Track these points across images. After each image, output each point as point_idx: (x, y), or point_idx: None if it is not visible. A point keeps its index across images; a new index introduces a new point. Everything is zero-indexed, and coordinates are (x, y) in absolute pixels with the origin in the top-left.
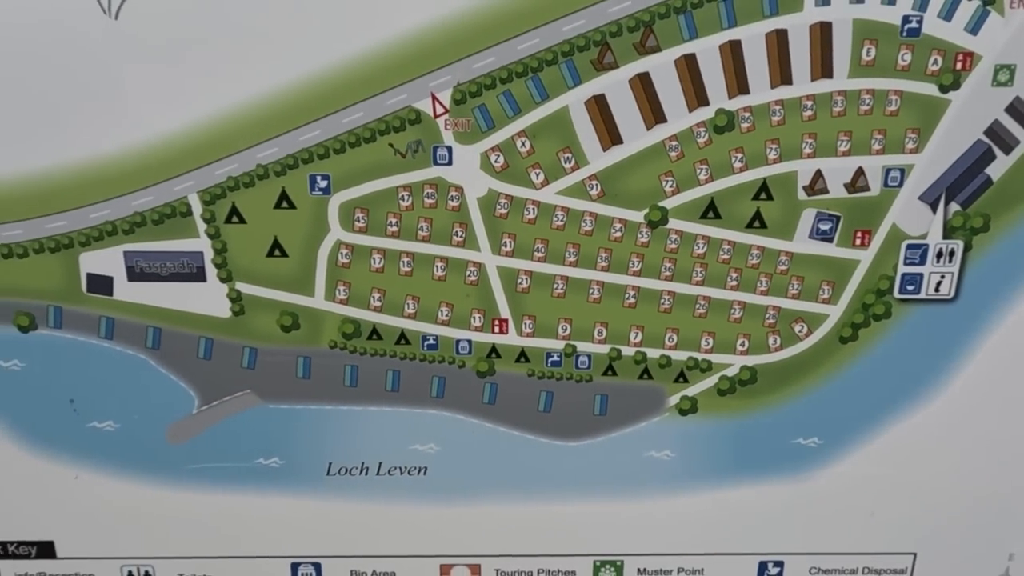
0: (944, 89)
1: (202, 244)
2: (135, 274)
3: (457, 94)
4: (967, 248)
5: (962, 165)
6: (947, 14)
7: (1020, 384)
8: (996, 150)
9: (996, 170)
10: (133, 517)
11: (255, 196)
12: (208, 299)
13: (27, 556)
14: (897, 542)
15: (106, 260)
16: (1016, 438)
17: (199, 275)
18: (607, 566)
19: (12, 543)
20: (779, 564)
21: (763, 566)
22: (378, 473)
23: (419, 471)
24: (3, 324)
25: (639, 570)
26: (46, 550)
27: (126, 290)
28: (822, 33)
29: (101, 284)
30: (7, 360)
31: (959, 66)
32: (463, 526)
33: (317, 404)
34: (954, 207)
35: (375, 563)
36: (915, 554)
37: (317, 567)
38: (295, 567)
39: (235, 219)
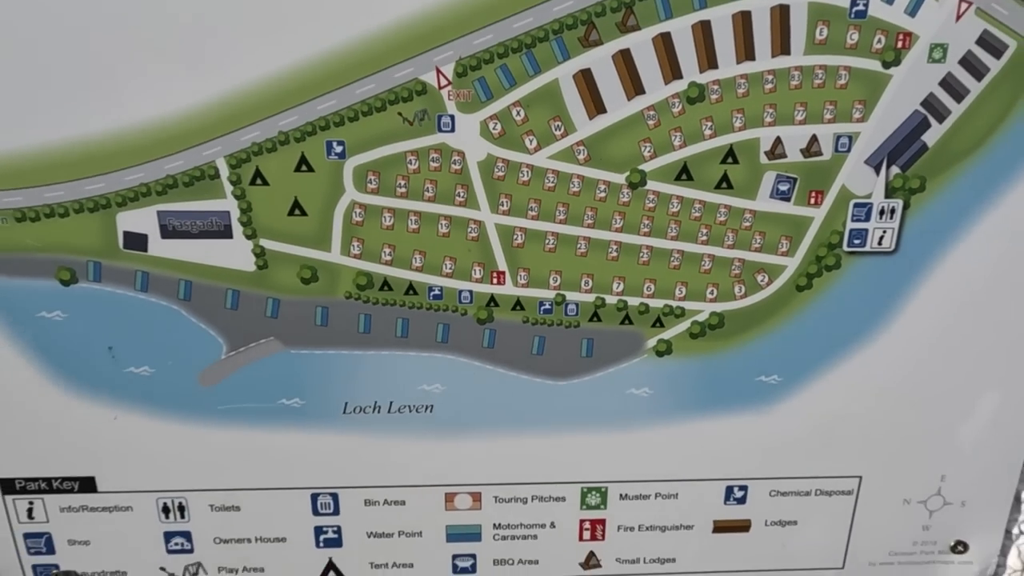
0: (887, 65)
1: (229, 204)
2: (167, 232)
3: (459, 68)
4: (906, 206)
5: (902, 133)
6: None
7: (951, 325)
8: (931, 119)
9: (931, 137)
10: (167, 454)
11: (277, 160)
12: (234, 254)
13: (70, 491)
14: (845, 466)
15: (141, 219)
16: (948, 373)
17: (226, 232)
18: (593, 492)
19: (56, 479)
20: (743, 488)
21: (729, 490)
22: (389, 411)
23: (426, 409)
24: (46, 278)
25: (621, 495)
26: (87, 485)
27: (159, 246)
28: (781, 15)
29: (136, 241)
30: (50, 311)
31: (899, 45)
32: (465, 458)
33: (334, 349)
34: (895, 170)
35: (386, 492)
36: (860, 476)
37: (334, 497)
38: (314, 497)
39: (259, 181)
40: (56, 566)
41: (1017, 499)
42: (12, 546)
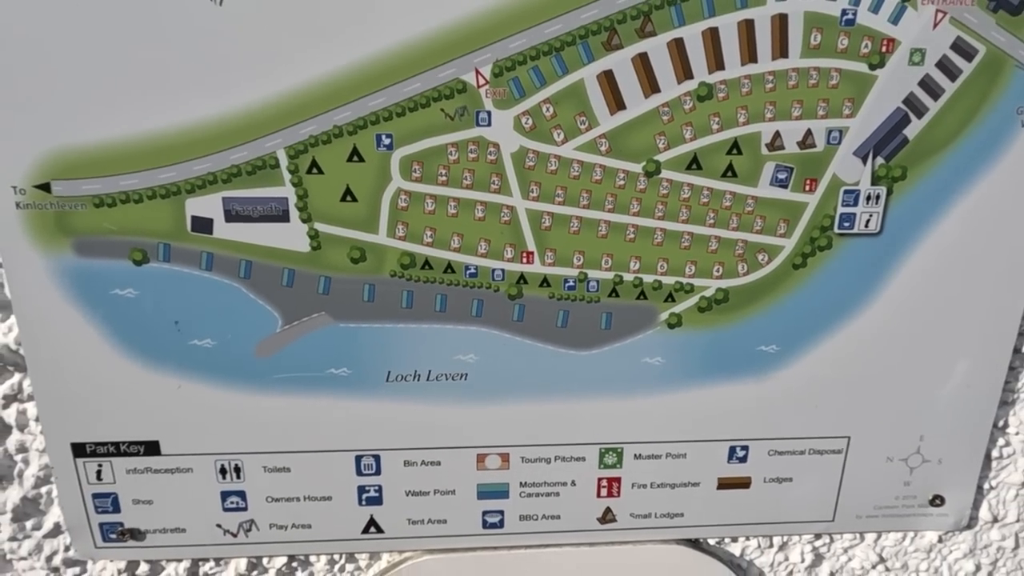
0: (872, 67)
1: (287, 191)
2: (231, 216)
3: (496, 68)
4: (889, 193)
5: (886, 127)
6: (875, 8)
7: (930, 300)
8: (911, 116)
9: (911, 131)
10: (225, 419)
11: (331, 151)
12: (291, 237)
13: (136, 454)
14: (835, 427)
15: (207, 204)
16: (927, 343)
17: (284, 217)
18: (610, 452)
19: (124, 443)
20: (745, 448)
21: (732, 449)
22: (427, 379)
23: (461, 377)
24: (120, 258)
25: (635, 455)
26: (152, 448)
27: (223, 229)
28: (781, 22)
29: (203, 225)
30: (123, 289)
31: (884, 49)
32: (495, 422)
33: (379, 323)
34: (879, 160)
35: (423, 454)
36: (849, 437)
37: (376, 458)
38: (358, 459)
39: (315, 170)
40: (121, 524)
41: (988, 457)
42: (82, 506)
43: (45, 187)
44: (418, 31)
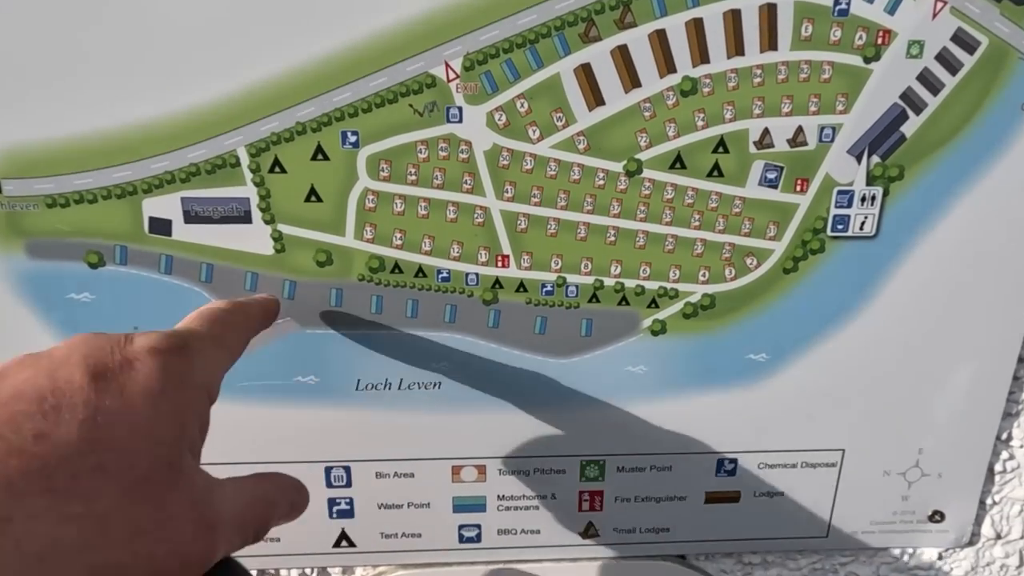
0: (867, 60)
1: (249, 191)
2: (190, 217)
3: (467, 62)
4: (885, 193)
5: (882, 124)
6: None
7: (928, 306)
8: (909, 112)
9: (909, 128)
10: None
11: (295, 149)
12: (254, 239)
13: None
14: (829, 440)
15: (165, 205)
16: (925, 352)
17: (246, 218)
18: (592, 464)
19: None
20: (733, 461)
21: (720, 462)
22: (399, 388)
23: (434, 386)
24: (75, 261)
25: (618, 467)
26: None
27: (183, 231)
28: (769, 13)
29: (161, 226)
30: (79, 293)
31: (879, 41)
32: (471, 432)
33: (347, 330)
34: (875, 159)
35: (396, 465)
36: (843, 450)
37: (347, 470)
38: (328, 470)
39: (277, 169)
40: None
41: (990, 471)
42: None
43: None
44: (384, 22)
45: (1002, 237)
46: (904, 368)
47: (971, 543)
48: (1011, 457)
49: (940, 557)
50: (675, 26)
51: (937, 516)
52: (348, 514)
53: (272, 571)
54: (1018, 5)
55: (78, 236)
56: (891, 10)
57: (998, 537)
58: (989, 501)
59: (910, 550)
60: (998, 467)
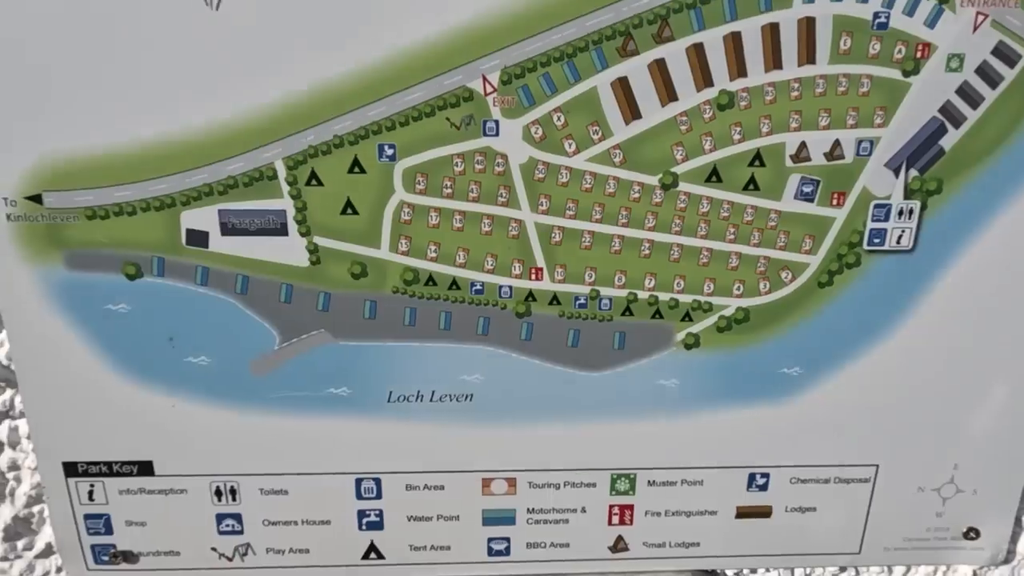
0: (906, 74)
1: (285, 203)
2: (227, 229)
3: (504, 76)
4: (923, 207)
5: (920, 138)
6: (910, 10)
7: (965, 322)
8: (948, 125)
9: (948, 142)
10: (220, 439)
11: (332, 162)
12: (289, 251)
13: (129, 474)
14: (863, 455)
15: (203, 217)
16: (961, 368)
17: (282, 230)
18: (622, 478)
19: (116, 463)
20: (765, 475)
21: (752, 477)
22: (431, 400)
23: (466, 398)
24: (113, 272)
25: (649, 482)
26: (145, 468)
27: (219, 243)
28: (807, 26)
29: (198, 238)
30: (116, 304)
31: (919, 55)
32: (502, 445)
33: (380, 341)
34: (913, 173)
35: (426, 478)
36: (877, 465)
37: (377, 482)
38: (359, 482)
39: (314, 182)
40: (113, 546)
41: None
42: (73, 526)
43: (36, 198)
44: (422, 36)
45: None
46: (940, 383)
47: (1007, 561)
48: None
49: (975, 575)
50: (713, 40)
51: (972, 533)
52: (377, 526)
53: None
54: None
55: (116, 247)
56: (931, 23)
57: None
58: None
59: (944, 568)
60: None
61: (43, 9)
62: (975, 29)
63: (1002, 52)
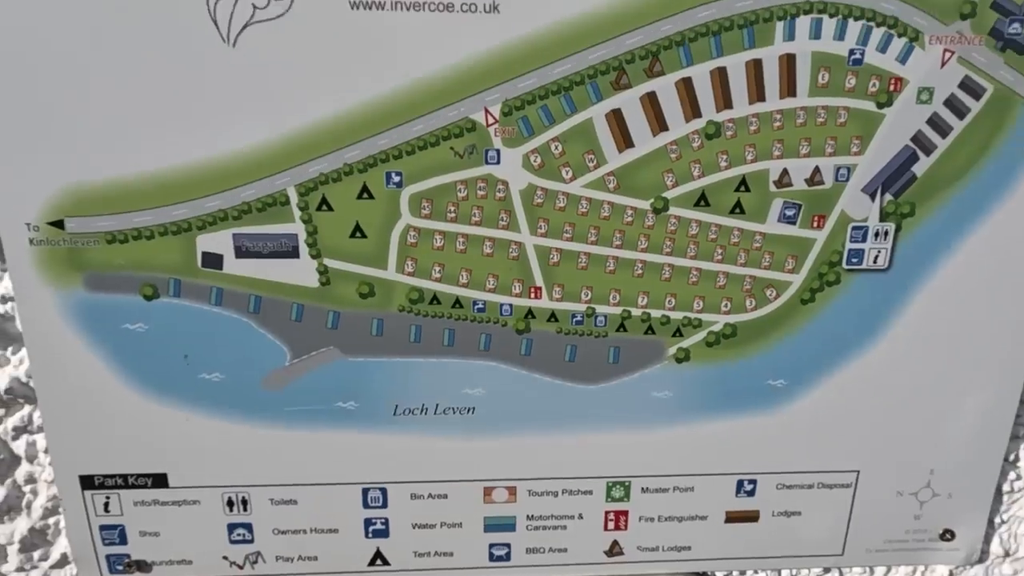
0: (880, 106)
1: (297, 228)
2: (241, 252)
3: (505, 108)
4: (898, 229)
5: (894, 165)
6: (883, 47)
7: (938, 335)
8: (919, 153)
9: (919, 168)
10: (233, 452)
11: (341, 189)
12: (300, 272)
13: (144, 486)
14: (844, 461)
15: (218, 241)
16: (936, 378)
17: (294, 252)
18: (617, 486)
19: (132, 475)
20: (753, 481)
21: (740, 483)
22: (435, 413)
23: (468, 411)
24: (131, 293)
25: (643, 488)
26: (160, 481)
27: (233, 265)
28: (788, 62)
29: (213, 260)
30: (133, 323)
31: (891, 88)
32: (503, 455)
33: (387, 357)
34: (888, 197)
35: (430, 487)
36: (858, 471)
37: (383, 491)
38: (365, 491)
39: (324, 207)
40: (127, 556)
41: (999, 491)
42: (89, 537)
43: (58, 224)
44: (428, 71)
45: (1009, 271)
46: (916, 393)
47: (980, 561)
48: (1019, 477)
49: (951, 575)
50: (701, 74)
51: (948, 535)
52: (383, 534)
53: None
54: (1021, 55)
55: (135, 270)
56: (902, 59)
57: (1007, 555)
58: (998, 520)
59: (922, 568)
60: (1006, 487)
61: (67, 47)
62: (943, 65)
63: (968, 86)
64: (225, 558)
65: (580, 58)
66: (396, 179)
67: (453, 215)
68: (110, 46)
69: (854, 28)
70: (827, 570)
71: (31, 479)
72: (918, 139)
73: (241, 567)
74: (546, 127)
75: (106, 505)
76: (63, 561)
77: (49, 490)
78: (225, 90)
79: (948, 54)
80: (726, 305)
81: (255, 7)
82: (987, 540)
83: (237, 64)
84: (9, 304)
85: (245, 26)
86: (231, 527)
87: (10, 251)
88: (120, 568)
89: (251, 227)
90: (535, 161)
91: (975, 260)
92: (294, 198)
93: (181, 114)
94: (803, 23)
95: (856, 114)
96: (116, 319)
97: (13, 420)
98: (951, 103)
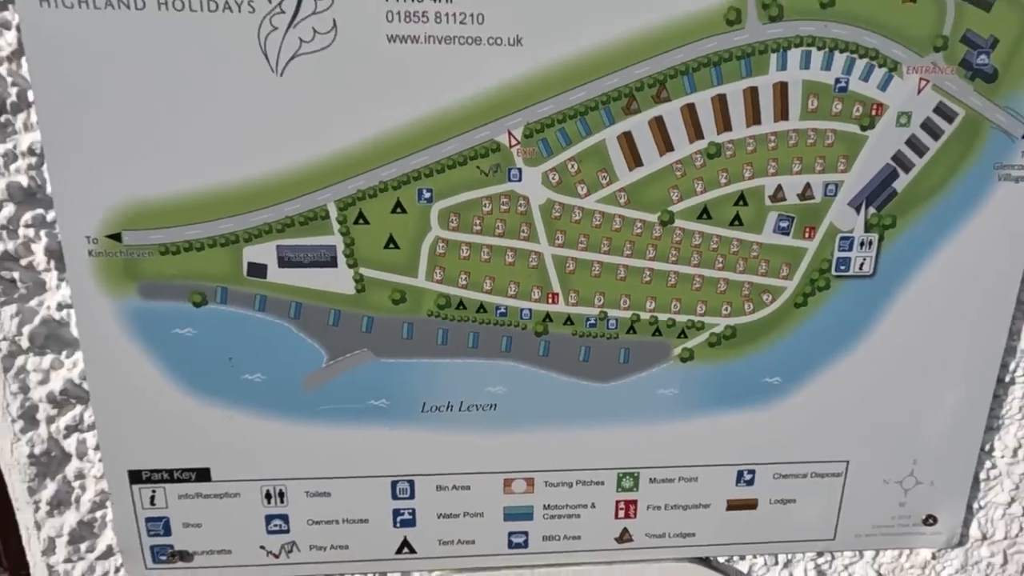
0: (864, 128)
1: (335, 240)
2: (284, 262)
3: (526, 131)
4: (881, 239)
5: (876, 181)
6: (865, 77)
7: (920, 335)
8: (899, 171)
9: (900, 184)
10: (272, 448)
11: (377, 204)
12: (338, 280)
13: (188, 480)
14: (835, 452)
15: (263, 252)
16: (918, 375)
17: (332, 263)
18: (627, 476)
19: (177, 470)
20: (752, 472)
21: (740, 473)
22: (460, 409)
23: (491, 407)
24: (181, 301)
25: (650, 479)
26: (203, 475)
27: (277, 274)
28: (781, 89)
29: (258, 270)
30: (183, 328)
31: (874, 112)
32: (522, 448)
33: (416, 358)
34: (872, 210)
35: (455, 479)
36: (848, 461)
37: (411, 483)
38: (394, 483)
39: (361, 221)
40: (171, 546)
41: (976, 479)
42: (135, 529)
43: (116, 237)
44: (457, 97)
45: (981, 277)
46: (900, 389)
47: (960, 544)
48: (994, 466)
49: (934, 557)
50: (703, 100)
51: (930, 520)
52: (410, 523)
53: None
54: (988, 83)
55: (185, 279)
56: (883, 87)
57: (984, 538)
58: (976, 506)
59: (907, 551)
60: (983, 475)
61: (131, 77)
62: (919, 92)
63: (942, 110)
64: (262, 547)
65: (594, 86)
66: (427, 195)
67: (478, 227)
68: (170, 76)
69: (839, 59)
70: (820, 554)
71: (80, 475)
72: (898, 158)
73: (277, 556)
74: (563, 148)
75: (152, 498)
76: (108, 552)
77: (97, 485)
78: (273, 115)
79: (924, 82)
80: (726, 309)
81: (301, 40)
82: (966, 524)
83: (284, 92)
84: (65, 311)
85: (292, 58)
86: (268, 518)
87: (70, 262)
88: (163, 558)
89: (293, 239)
90: (553, 179)
91: (951, 266)
92: (333, 213)
93: (232, 137)
94: (794, 55)
95: (842, 136)
96: (166, 325)
97: (65, 419)
98: (927, 126)
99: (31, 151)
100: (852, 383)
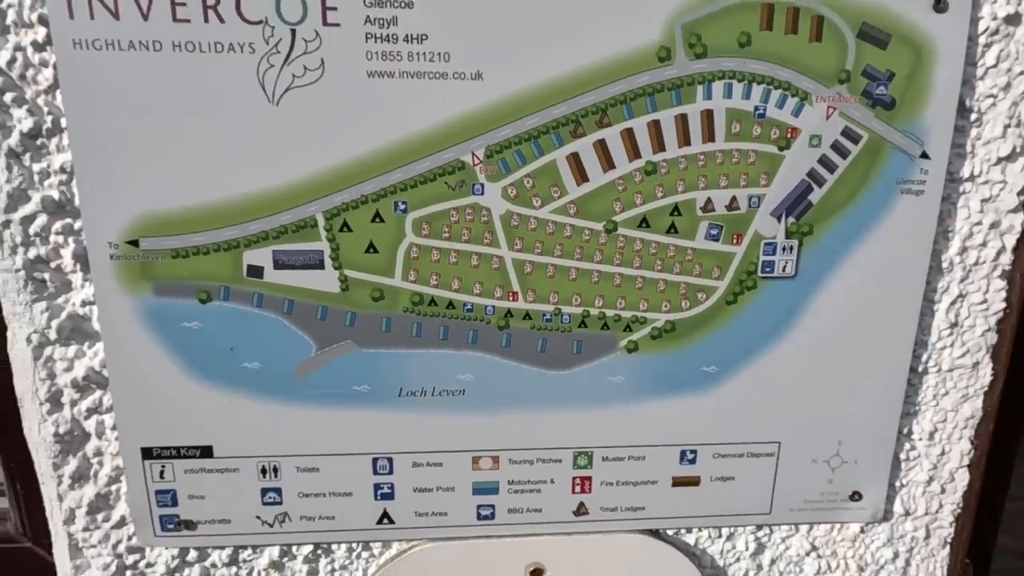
0: (781, 148)
1: (323, 245)
2: (278, 264)
3: (488, 151)
4: (800, 245)
5: (794, 194)
6: (780, 105)
7: (837, 330)
8: (813, 185)
9: (814, 197)
10: (267, 428)
11: (359, 215)
12: (325, 281)
13: (194, 456)
14: (767, 434)
15: (260, 256)
16: (838, 364)
17: (320, 265)
18: (582, 455)
19: (184, 447)
20: (694, 451)
21: (683, 453)
22: (432, 395)
23: (460, 393)
24: (190, 298)
25: (603, 458)
26: (207, 452)
27: (272, 275)
28: (708, 115)
29: (256, 271)
30: (190, 322)
31: (789, 135)
32: (488, 430)
33: (394, 349)
34: (791, 220)
35: (429, 456)
36: (779, 442)
37: (390, 460)
38: (375, 460)
39: (345, 229)
40: (177, 516)
41: (897, 459)
42: (146, 501)
43: (134, 243)
44: (427, 124)
45: (889, 277)
46: (823, 377)
47: (886, 519)
48: (913, 448)
49: (862, 531)
50: (640, 125)
51: (856, 496)
52: (389, 496)
53: (325, 544)
54: (887, 110)
55: (193, 280)
56: (796, 113)
57: (907, 514)
58: (898, 484)
59: (839, 525)
60: (903, 456)
61: (147, 105)
62: (828, 118)
63: (848, 134)
64: (258, 518)
65: (546, 113)
66: (402, 207)
67: (447, 235)
68: (181, 106)
69: (757, 90)
70: (759, 527)
71: (98, 452)
72: (812, 174)
73: (271, 525)
74: (520, 166)
75: (161, 473)
76: (122, 522)
77: (113, 461)
78: (269, 139)
79: (831, 110)
80: (666, 306)
81: (294, 76)
82: (890, 501)
83: (279, 119)
84: (88, 308)
85: (287, 90)
86: (264, 491)
87: (94, 265)
88: (170, 527)
89: (287, 245)
90: (512, 192)
91: (864, 268)
92: (321, 222)
93: (234, 157)
94: (718, 86)
95: (763, 155)
96: (176, 319)
97: (86, 403)
98: (836, 147)
99: (62, 169)
100: (781, 371)
